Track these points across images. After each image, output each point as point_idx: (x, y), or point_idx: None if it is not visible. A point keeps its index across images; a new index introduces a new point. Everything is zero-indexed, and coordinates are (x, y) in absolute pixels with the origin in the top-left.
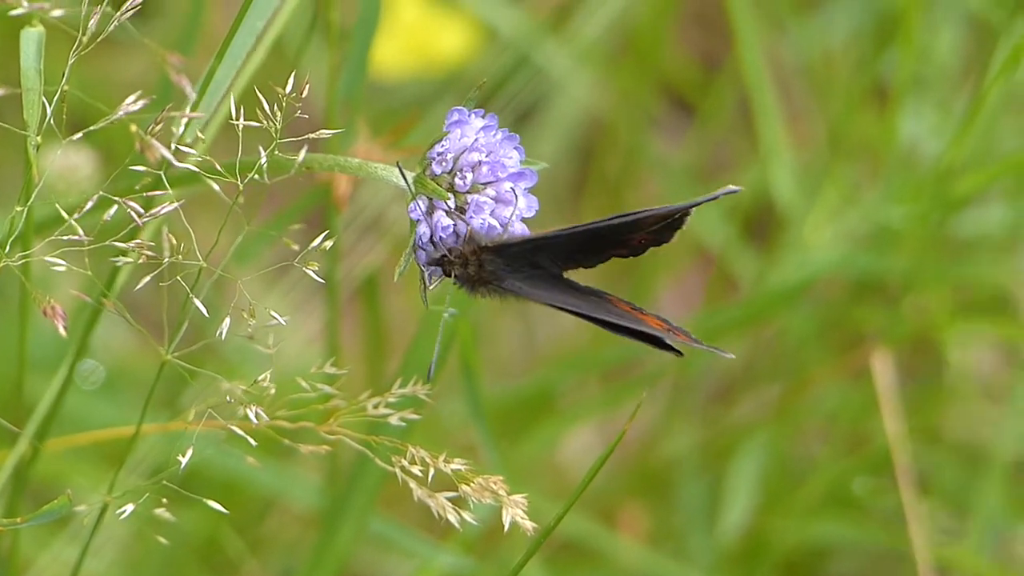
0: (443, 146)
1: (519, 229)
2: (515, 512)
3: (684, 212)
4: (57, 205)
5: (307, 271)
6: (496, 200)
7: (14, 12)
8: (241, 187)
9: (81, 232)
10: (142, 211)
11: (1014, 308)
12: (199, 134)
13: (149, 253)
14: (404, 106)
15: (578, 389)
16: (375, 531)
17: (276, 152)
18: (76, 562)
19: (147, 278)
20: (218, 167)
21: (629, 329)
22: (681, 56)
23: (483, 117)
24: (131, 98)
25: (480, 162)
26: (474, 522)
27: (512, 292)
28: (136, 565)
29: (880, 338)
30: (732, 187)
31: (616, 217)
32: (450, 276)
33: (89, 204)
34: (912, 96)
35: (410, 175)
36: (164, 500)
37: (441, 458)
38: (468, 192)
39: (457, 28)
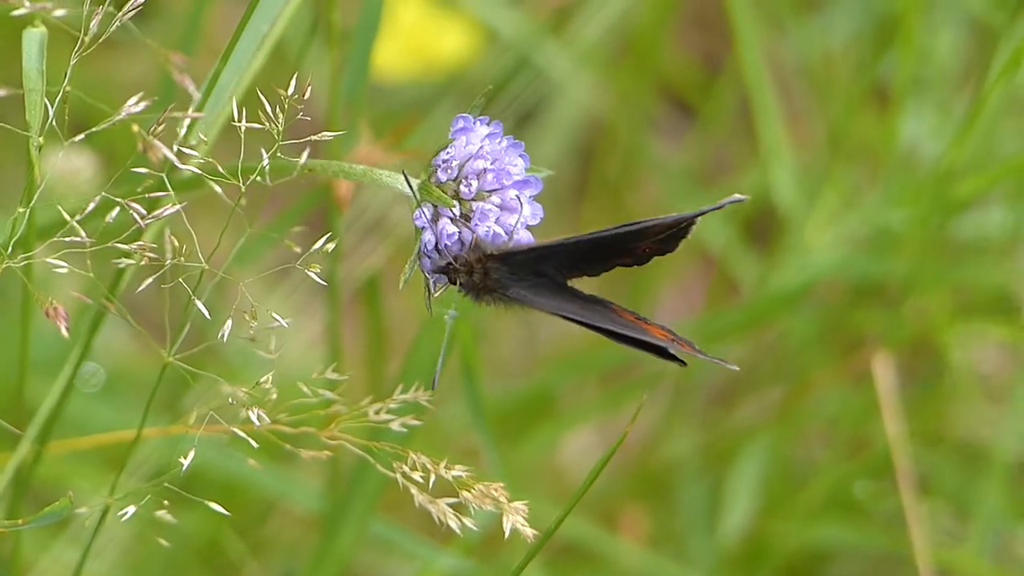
0: (448, 153)
1: (524, 237)
2: (516, 519)
3: (690, 222)
4: (59, 207)
5: (309, 273)
6: (501, 208)
7: (16, 12)
8: (243, 189)
9: (83, 234)
10: (144, 213)
11: (1016, 309)
12: (201, 136)
13: (151, 255)
14: (405, 108)
15: (578, 391)
16: (376, 533)
17: (278, 154)
18: (77, 564)
19: (149, 280)
20: (220, 169)
21: (633, 339)
22: (681, 58)
23: (488, 124)
24: (133, 99)
25: (485, 169)
26: (475, 528)
27: (517, 300)
28: (137, 567)
29: (881, 341)
30: (738, 196)
31: (621, 226)
32: (455, 284)
33: (91, 206)
34: (912, 98)
35: (415, 182)
36: (165, 502)
37: (442, 464)
38: (473, 199)
39: (457, 30)
